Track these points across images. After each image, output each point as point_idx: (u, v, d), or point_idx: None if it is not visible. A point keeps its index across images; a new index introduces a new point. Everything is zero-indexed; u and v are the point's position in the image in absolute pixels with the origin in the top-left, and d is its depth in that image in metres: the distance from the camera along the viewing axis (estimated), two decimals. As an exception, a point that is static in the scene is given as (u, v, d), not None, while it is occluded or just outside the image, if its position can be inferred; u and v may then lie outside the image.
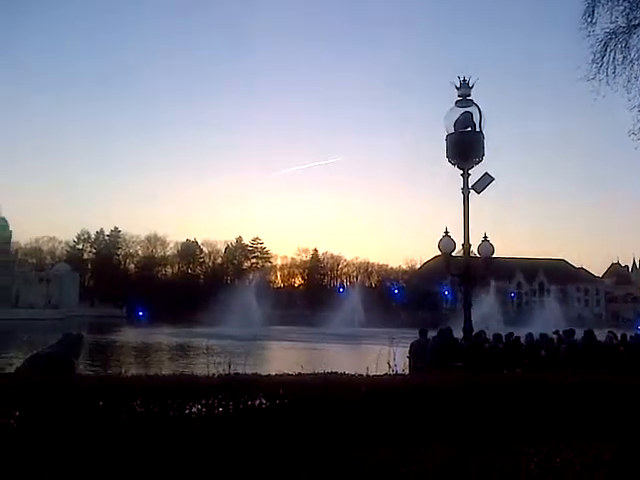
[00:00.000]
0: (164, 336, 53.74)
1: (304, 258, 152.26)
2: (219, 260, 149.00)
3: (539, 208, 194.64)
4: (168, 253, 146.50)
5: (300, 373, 7.51)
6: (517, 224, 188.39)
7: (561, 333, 14.92)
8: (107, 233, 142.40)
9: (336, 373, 7.57)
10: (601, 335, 14.47)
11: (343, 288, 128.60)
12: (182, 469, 4.73)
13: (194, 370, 9.54)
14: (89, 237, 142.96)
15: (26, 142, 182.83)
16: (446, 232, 11.36)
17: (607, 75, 12.74)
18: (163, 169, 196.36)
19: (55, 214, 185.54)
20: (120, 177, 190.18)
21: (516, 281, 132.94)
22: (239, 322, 65.15)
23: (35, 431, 5.70)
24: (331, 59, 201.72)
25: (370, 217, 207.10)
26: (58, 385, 6.18)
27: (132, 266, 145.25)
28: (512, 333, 15.06)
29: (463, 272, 11.34)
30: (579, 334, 14.16)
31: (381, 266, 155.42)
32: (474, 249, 11.44)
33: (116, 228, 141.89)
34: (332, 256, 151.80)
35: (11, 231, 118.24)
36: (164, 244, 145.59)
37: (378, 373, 8.58)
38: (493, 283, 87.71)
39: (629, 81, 12.75)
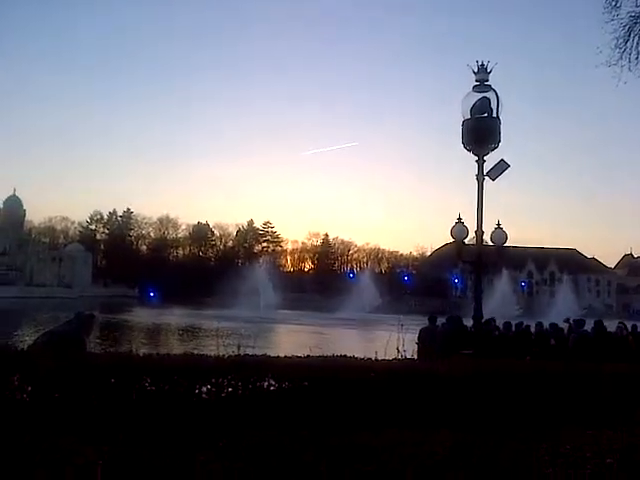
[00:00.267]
0: (175, 317, 54.14)
1: (315, 243, 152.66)
2: (230, 243, 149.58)
3: (552, 197, 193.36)
4: (180, 235, 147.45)
5: (309, 356, 7.55)
6: (529, 212, 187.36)
7: (571, 322, 14.85)
8: (119, 214, 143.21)
9: (345, 356, 7.60)
10: (612, 326, 14.40)
11: (353, 274, 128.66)
12: (191, 446, 4.78)
13: (204, 351, 9.61)
14: (102, 218, 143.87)
15: (39, 123, 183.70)
16: (459, 219, 11.31)
17: (629, 61, 12.54)
18: (176, 151, 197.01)
19: (68, 194, 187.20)
20: (132, 158, 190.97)
21: (527, 270, 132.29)
22: (249, 305, 65.53)
23: (47, 406, 5.78)
24: (344, 45, 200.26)
25: (382, 203, 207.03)
26: (71, 362, 6.26)
27: (144, 247, 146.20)
28: (522, 322, 15.04)
29: (475, 260, 11.31)
30: (588, 325, 14.10)
31: (392, 253, 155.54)
32: (486, 237, 11.39)
33: (128, 209, 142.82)
34: (343, 241, 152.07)
35: (25, 210, 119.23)
36: (176, 226, 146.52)
37: (387, 358, 8.59)
38: (505, 272, 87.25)
39: None
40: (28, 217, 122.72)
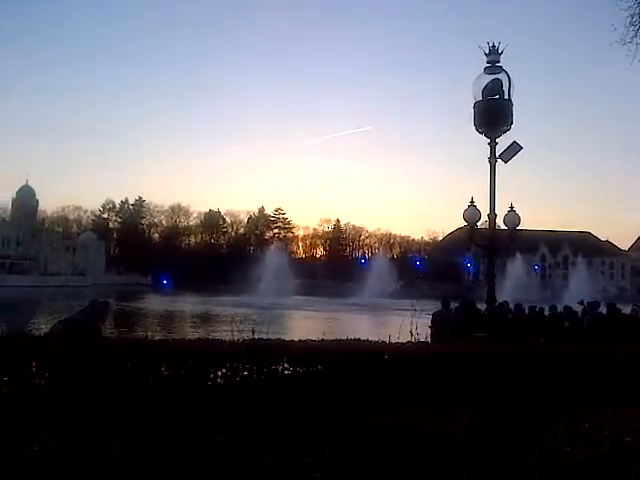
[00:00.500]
0: (188, 304, 54.42)
1: (326, 229, 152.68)
2: (242, 230, 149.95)
3: (565, 179, 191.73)
4: (191, 223, 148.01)
5: (323, 339, 7.58)
6: (542, 195, 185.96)
7: (585, 304, 14.76)
8: (132, 202, 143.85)
9: (359, 340, 7.62)
10: (627, 310, 14.31)
11: (365, 259, 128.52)
12: (209, 429, 4.83)
13: (219, 337, 9.66)
14: (114, 206, 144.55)
15: (52, 112, 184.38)
16: (472, 202, 11.24)
17: None
18: (187, 139, 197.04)
19: (81, 183, 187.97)
20: (145, 147, 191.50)
21: (540, 254, 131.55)
22: (261, 291, 65.71)
23: (65, 391, 5.86)
24: (357, 30, 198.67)
25: (393, 188, 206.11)
26: (88, 347, 6.33)
27: (156, 235, 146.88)
28: (535, 305, 14.97)
29: (487, 243, 11.26)
30: (602, 307, 14.02)
31: (403, 238, 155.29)
32: (499, 220, 11.32)
33: (140, 198, 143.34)
34: (354, 227, 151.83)
35: (38, 200, 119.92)
36: (187, 214, 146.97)
37: (400, 341, 8.60)
38: (519, 255, 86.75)
39: None
40: (41, 207, 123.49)
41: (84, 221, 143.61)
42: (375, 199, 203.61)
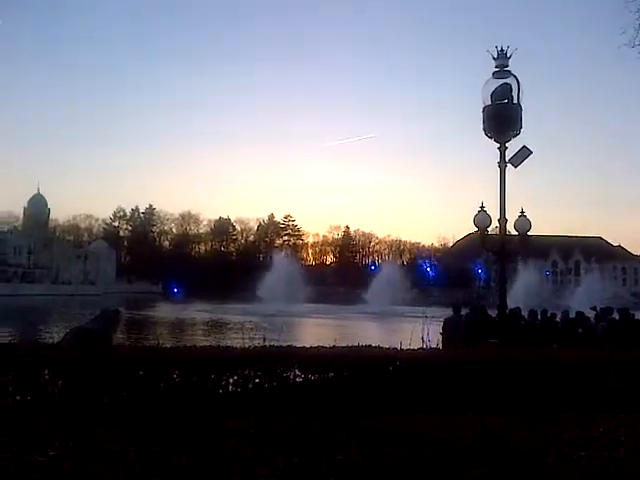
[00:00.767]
0: (199, 312, 54.51)
1: (336, 236, 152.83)
2: (251, 237, 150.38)
3: (576, 184, 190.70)
4: (201, 230, 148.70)
5: (334, 346, 7.57)
6: (553, 200, 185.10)
7: (598, 310, 14.65)
8: (142, 211, 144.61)
9: (370, 346, 7.60)
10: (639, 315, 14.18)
11: (375, 266, 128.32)
12: (221, 435, 4.83)
13: (229, 344, 9.68)
14: (125, 214, 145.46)
15: (63, 121, 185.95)
16: (482, 207, 11.21)
17: None
18: (197, 148, 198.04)
19: (91, 192, 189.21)
20: (154, 155, 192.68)
21: (551, 259, 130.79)
22: (271, 299, 65.63)
23: (78, 398, 5.88)
24: (362, 35, 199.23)
25: (402, 195, 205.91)
26: (100, 355, 6.36)
27: (167, 243, 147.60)
28: (546, 311, 14.87)
29: (498, 249, 11.21)
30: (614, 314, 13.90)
31: (413, 244, 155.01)
32: (509, 225, 11.27)
33: (151, 206, 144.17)
34: (364, 234, 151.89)
35: (49, 209, 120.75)
36: (197, 222, 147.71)
37: (412, 348, 8.58)
38: (530, 261, 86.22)
39: None
40: (52, 216, 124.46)
41: (95, 229, 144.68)
42: (385, 205, 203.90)
